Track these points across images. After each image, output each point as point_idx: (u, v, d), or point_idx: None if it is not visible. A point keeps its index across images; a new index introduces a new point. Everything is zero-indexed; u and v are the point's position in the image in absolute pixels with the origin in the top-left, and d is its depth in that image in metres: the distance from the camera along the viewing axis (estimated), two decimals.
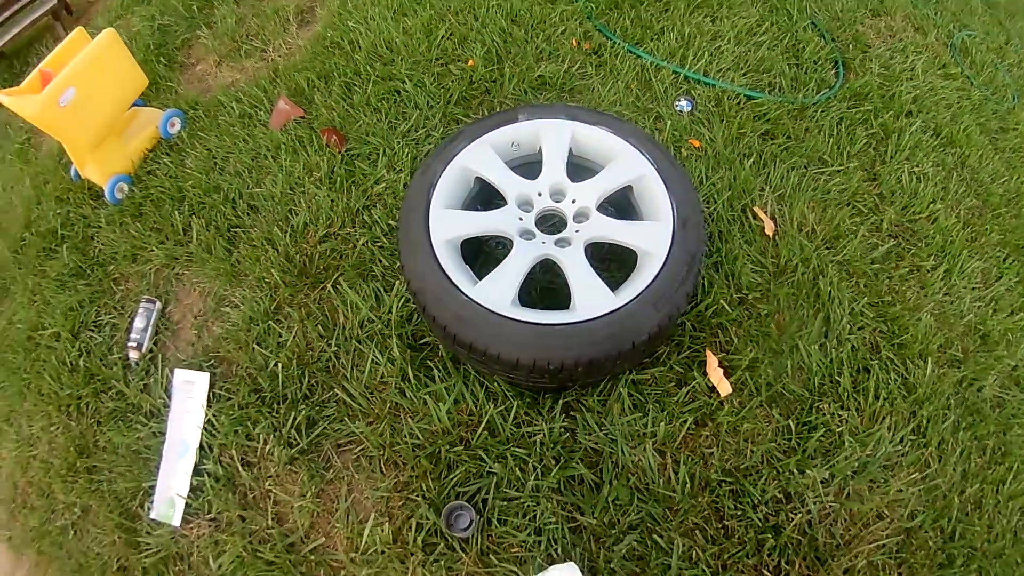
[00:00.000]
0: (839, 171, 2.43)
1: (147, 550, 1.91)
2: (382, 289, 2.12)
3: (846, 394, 1.89)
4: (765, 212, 2.25)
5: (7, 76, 4.33)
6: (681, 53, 2.79)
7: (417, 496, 1.76)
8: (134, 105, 2.86)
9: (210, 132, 2.76)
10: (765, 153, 2.44)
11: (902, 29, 3.18)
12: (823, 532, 1.72)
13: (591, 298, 1.64)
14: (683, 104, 2.60)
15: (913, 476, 1.82)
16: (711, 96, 2.64)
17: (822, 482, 1.76)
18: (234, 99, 2.84)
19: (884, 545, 1.71)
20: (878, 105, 2.67)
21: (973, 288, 2.26)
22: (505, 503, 1.72)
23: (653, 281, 1.62)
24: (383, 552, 1.70)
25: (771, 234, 2.19)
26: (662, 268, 1.64)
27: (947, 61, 3.05)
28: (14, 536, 2.25)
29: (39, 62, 2.52)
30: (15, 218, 3.03)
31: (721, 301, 1.97)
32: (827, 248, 2.19)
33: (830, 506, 1.75)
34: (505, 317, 1.59)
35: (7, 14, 4.54)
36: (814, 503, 1.73)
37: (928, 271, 2.23)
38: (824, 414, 1.85)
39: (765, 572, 1.65)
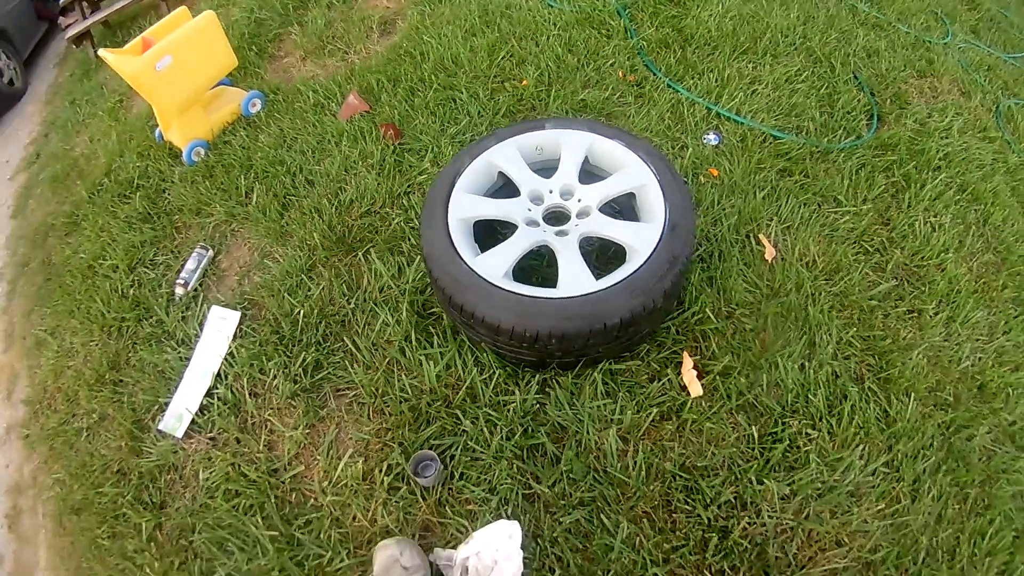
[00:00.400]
0: (852, 212, 2.38)
1: (147, 457, 2.06)
2: (405, 263, 2.26)
3: (818, 414, 1.84)
4: (769, 240, 2.25)
5: (109, 44, 4.79)
6: (717, 92, 2.84)
7: (394, 442, 1.84)
8: (222, 83, 3.15)
9: (285, 115, 3.02)
10: (780, 188, 2.44)
11: (947, 91, 3.10)
12: (776, 547, 1.66)
13: (575, 280, 1.72)
14: (711, 137, 2.64)
15: (881, 509, 1.73)
16: (738, 133, 2.67)
17: (782, 498, 1.71)
18: (311, 89, 3.10)
19: (839, 574, 1.63)
20: (904, 156, 2.60)
21: (976, 338, 2.15)
22: (469, 459, 1.78)
23: (633, 273, 1.68)
24: (351, 487, 1.80)
25: (770, 260, 2.18)
26: (644, 263, 1.70)
27: (988, 125, 2.94)
28: (32, 434, 2.48)
29: (140, 34, 2.83)
30: (97, 166, 3.38)
31: (707, 310, 1.98)
32: (825, 280, 2.15)
33: (787, 522, 1.69)
34: (495, 286, 1.70)
35: None
36: (770, 516, 1.68)
37: (930, 315, 2.15)
38: (791, 428, 1.80)
39: (707, 574, 1.61)
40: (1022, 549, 1.75)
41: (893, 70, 3.12)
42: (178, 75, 2.74)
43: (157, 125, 3.07)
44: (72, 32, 4.75)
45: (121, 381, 2.32)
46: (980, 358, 2.12)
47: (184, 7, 2.93)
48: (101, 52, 2.73)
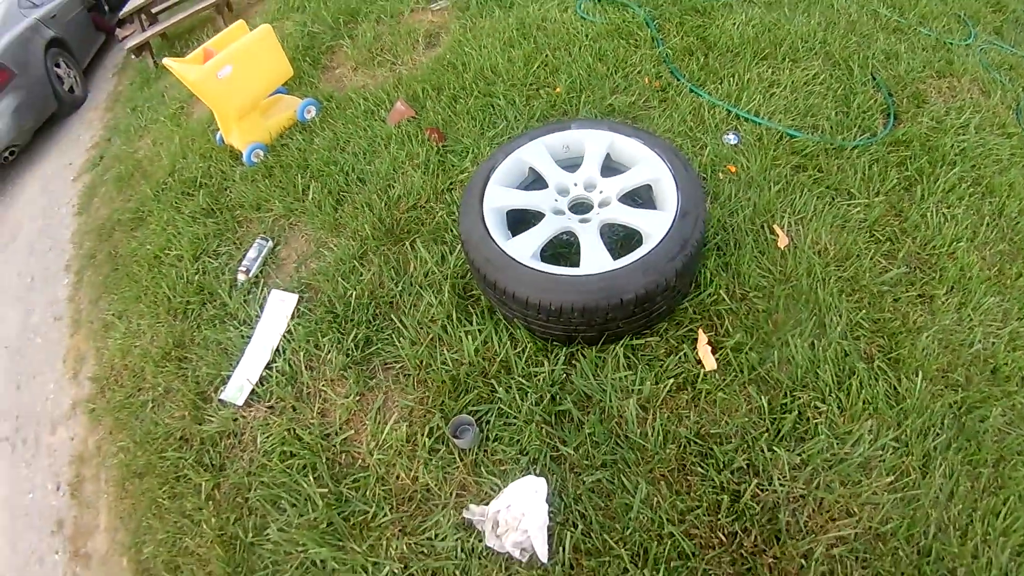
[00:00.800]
0: (864, 204, 2.42)
1: (209, 424, 2.22)
2: (448, 251, 2.42)
3: (827, 389, 1.88)
4: (783, 229, 2.32)
5: (167, 54, 4.92)
6: (736, 95, 2.92)
7: (435, 409, 1.99)
8: (278, 92, 3.34)
9: (338, 120, 3.23)
10: (794, 182, 2.49)
11: (966, 90, 3.08)
12: (787, 513, 1.70)
13: (594, 260, 1.85)
14: (731, 137, 2.72)
15: (891, 482, 1.75)
16: (755, 132, 2.74)
17: (793, 467, 1.76)
18: (362, 97, 3.31)
19: (849, 542, 1.66)
20: (918, 152, 2.62)
21: (989, 323, 2.13)
22: (503, 424, 1.91)
23: (647, 254, 1.80)
24: (396, 449, 1.94)
25: (783, 247, 2.25)
26: (656, 245, 1.81)
27: (1007, 122, 2.90)
28: (97, 408, 2.64)
29: (199, 45, 3.01)
30: (161, 167, 3.60)
31: (722, 292, 2.07)
32: (836, 266, 2.20)
33: (798, 490, 1.73)
34: (524, 265, 1.84)
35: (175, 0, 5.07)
36: (781, 484, 1.73)
37: (941, 300, 2.15)
38: (800, 400, 1.86)
39: (720, 534, 1.67)
40: None
41: (912, 71, 3.12)
42: (238, 83, 2.91)
43: (218, 130, 3.28)
44: (132, 43, 4.92)
45: (186, 357, 2.50)
46: (993, 342, 2.10)
47: (241, 20, 3.14)
48: (165, 61, 2.92)
